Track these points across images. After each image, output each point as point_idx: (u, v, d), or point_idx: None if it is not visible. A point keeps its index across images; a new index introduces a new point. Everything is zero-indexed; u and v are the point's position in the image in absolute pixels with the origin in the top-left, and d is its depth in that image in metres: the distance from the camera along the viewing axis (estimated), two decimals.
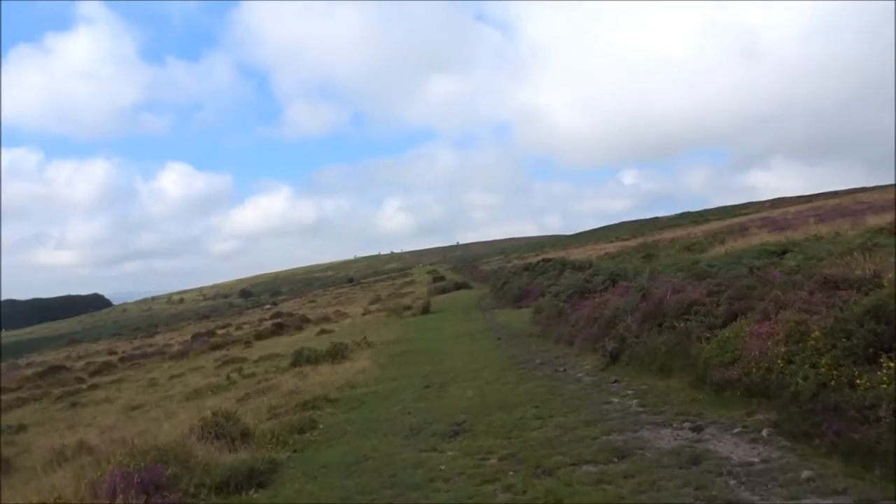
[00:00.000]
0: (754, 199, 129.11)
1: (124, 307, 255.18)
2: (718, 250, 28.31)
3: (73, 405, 21.65)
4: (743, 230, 39.03)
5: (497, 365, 11.13)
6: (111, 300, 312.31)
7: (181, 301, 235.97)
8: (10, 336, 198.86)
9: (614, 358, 8.67)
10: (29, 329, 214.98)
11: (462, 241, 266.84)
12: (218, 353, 30.69)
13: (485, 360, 12.20)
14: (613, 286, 11.95)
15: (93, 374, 33.36)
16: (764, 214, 64.37)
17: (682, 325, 7.44)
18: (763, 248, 16.96)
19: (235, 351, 30.69)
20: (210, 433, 8.25)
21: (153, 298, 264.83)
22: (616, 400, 7.05)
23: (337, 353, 18.01)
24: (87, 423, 17.02)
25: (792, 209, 56.67)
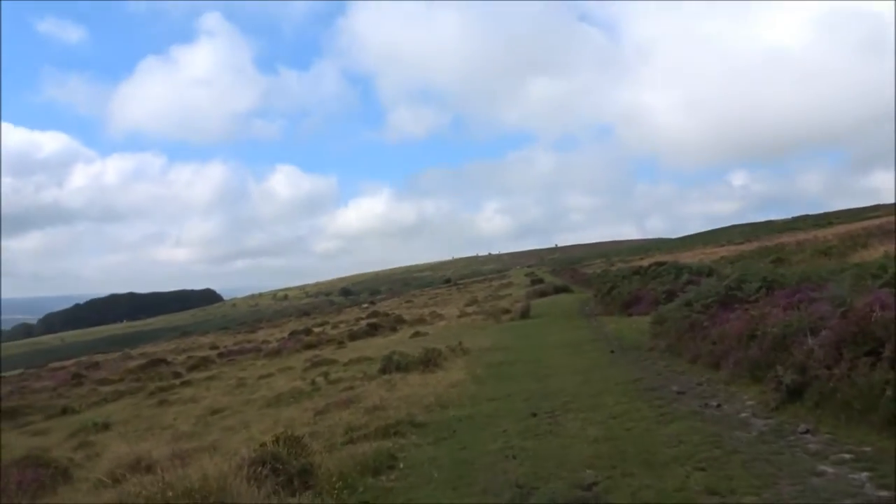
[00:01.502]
0: (881, 202, 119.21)
1: (233, 302, 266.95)
2: (864, 255, 24.72)
3: (161, 403, 21.13)
4: (884, 233, 34.64)
5: (620, 389, 8.98)
6: (222, 295, 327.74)
7: (285, 298, 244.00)
8: (130, 327, 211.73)
9: (793, 394, 6.41)
10: (148, 320, 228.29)
11: (560, 244, 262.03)
12: (310, 353, 29.85)
13: (602, 380, 10.07)
14: (768, 295, 9.54)
15: (190, 368, 33.41)
16: None
17: None
18: None
19: (327, 351, 29.74)
20: (266, 466, 6.64)
21: (260, 294, 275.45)
22: (829, 469, 4.75)
23: (429, 361, 16.33)
24: (166, 425, 16.16)
25: None
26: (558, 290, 47.53)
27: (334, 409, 11.87)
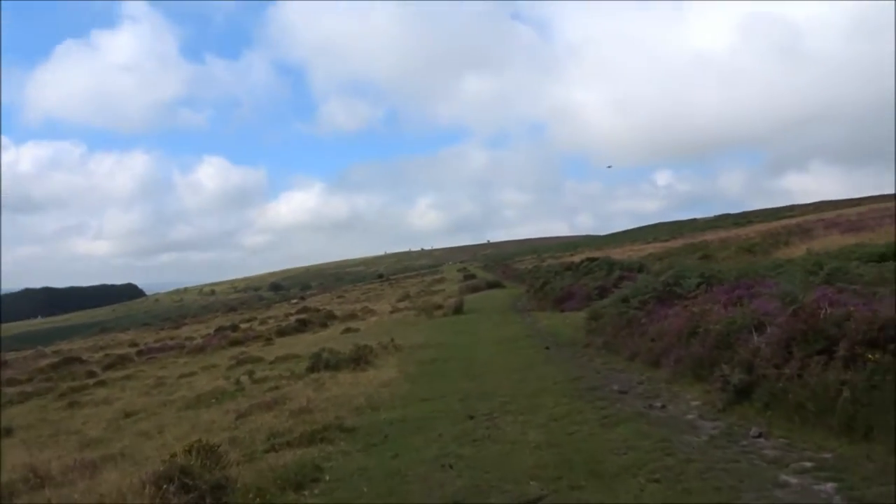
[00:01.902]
0: (795, 203, 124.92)
1: (157, 297, 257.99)
2: (787, 252, 25.42)
3: (71, 405, 19.72)
4: (804, 231, 35.94)
5: (559, 389, 8.60)
6: (145, 290, 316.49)
7: (212, 293, 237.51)
8: (46, 323, 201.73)
9: (740, 394, 6.14)
10: (65, 316, 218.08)
11: (493, 240, 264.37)
12: (236, 350, 28.70)
13: (539, 378, 9.69)
14: (707, 292, 9.36)
15: (106, 367, 31.59)
16: (818, 216, 60.79)
17: (883, 357, 4.87)
18: (858, 250, 14.12)
19: (254, 348, 28.68)
20: (174, 482, 5.93)
21: (185, 289, 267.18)
22: (792, 479, 4.37)
23: (360, 359, 15.72)
24: (75, 430, 14.97)
25: (853, 210, 53.02)
26: (491, 285, 47.54)
27: (257, 412, 11.13)
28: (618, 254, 55.85)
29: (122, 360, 33.97)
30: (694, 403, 6.87)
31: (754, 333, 6.55)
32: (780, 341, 5.93)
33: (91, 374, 28.91)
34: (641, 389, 7.99)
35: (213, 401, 14.52)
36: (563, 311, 23.81)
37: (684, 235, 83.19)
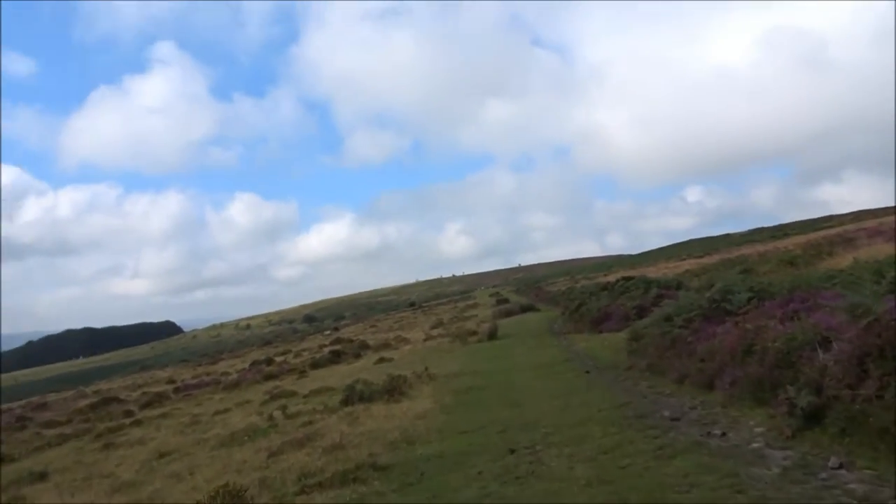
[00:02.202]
0: (833, 213, 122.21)
1: (194, 334, 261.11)
2: (831, 263, 24.45)
3: (107, 446, 19.57)
4: (846, 241, 34.73)
5: (605, 417, 8.05)
6: (182, 327, 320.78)
7: (248, 327, 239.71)
8: (87, 363, 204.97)
9: (810, 419, 5.56)
10: (106, 356, 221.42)
11: (524, 263, 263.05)
12: (270, 384, 28.46)
13: (582, 405, 9.15)
14: (759, 307, 8.75)
15: (143, 406, 31.59)
16: (857, 226, 59.13)
17: None
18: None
19: (288, 382, 28.41)
20: None
21: (222, 325, 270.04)
22: None
23: (394, 389, 15.30)
24: (108, 472, 14.74)
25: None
26: (524, 309, 46.90)
27: (290, 450, 10.75)
28: (652, 272, 54.81)
29: (159, 398, 33.96)
30: (758, 430, 6.26)
31: (819, 350, 5.97)
32: (851, 358, 5.36)
33: (128, 414, 28.89)
34: (695, 415, 7.39)
35: (246, 438, 14.19)
36: (600, 332, 23.14)
37: (720, 251, 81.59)
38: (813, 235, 62.33)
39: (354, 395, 15.47)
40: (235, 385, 32.75)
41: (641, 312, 22.56)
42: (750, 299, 8.94)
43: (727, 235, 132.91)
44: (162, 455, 15.32)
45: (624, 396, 9.26)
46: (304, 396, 19.89)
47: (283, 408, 17.06)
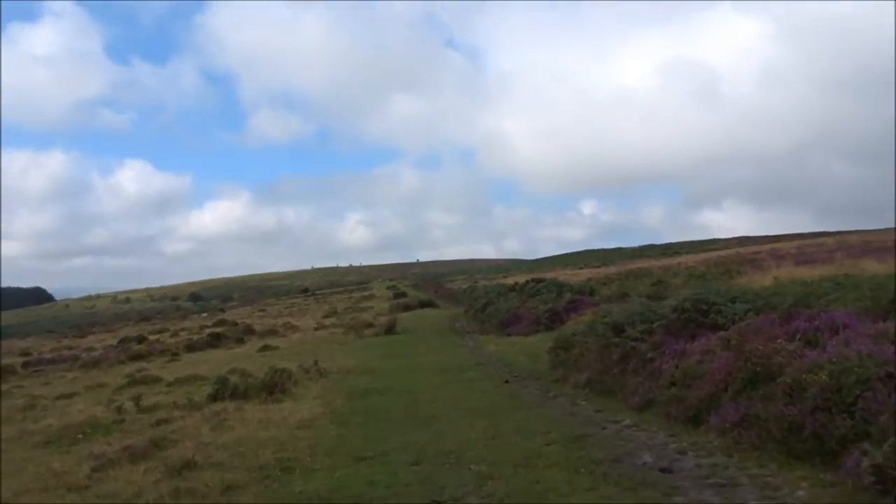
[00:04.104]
0: (716, 237, 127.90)
1: (67, 303, 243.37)
2: (743, 282, 23.89)
3: None
4: (749, 262, 34.96)
5: (559, 455, 5.95)
6: (54, 295, 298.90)
7: (127, 300, 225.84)
8: None
9: (885, 483, 3.76)
10: None
11: (422, 259, 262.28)
12: (135, 366, 25.03)
13: (519, 432, 7.10)
14: (740, 321, 7.03)
15: None
16: (738, 250, 61.17)
17: None
18: (825, 282, 12.03)
19: (157, 365, 25.12)
20: None
21: (98, 296, 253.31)
22: None
23: (275, 386, 12.86)
24: None
25: (787, 245, 53.13)
26: (423, 304, 45.21)
27: (125, 462, 8.13)
28: (551, 277, 54.22)
29: (2, 373, 29.59)
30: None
31: (882, 390, 4.20)
32: None
33: None
34: (692, 465, 5.38)
35: (80, 436, 11.31)
36: (508, 335, 21.49)
37: (615, 263, 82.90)
38: (701, 256, 64.02)
39: (227, 391, 12.91)
40: (95, 364, 28.86)
41: (554, 317, 21.10)
42: (747, 311, 7.20)
43: (620, 249, 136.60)
44: None
45: (572, 423, 7.30)
46: (169, 385, 16.99)
47: (138, 398, 14.14)
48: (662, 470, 5.20)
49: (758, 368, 5.63)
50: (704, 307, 7.70)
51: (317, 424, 9.03)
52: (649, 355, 7.77)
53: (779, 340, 5.90)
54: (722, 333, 6.89)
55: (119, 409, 13.26)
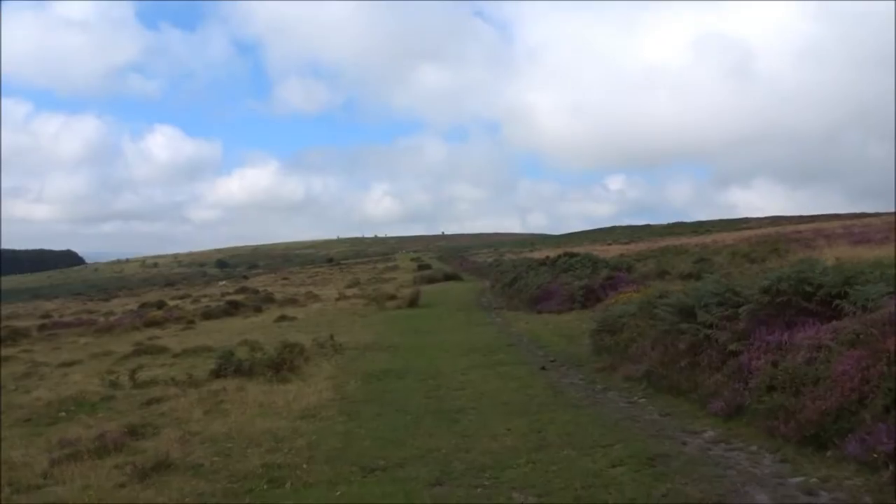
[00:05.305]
0: (747, 216, 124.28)
1: (96, 266, 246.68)
2: (792, 262, 22.10)
3: None
4: (794, 241, 32.93)
5: (635, 484, 4.48)
6: (84, 258, 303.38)
7: (155, 265, 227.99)
8: None
9: None
10: None
11: (447, 232, 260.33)
12: (147, 333, 24.03)
13: (571, 444, 5.58)
14: (866, 310, 5.45)
15: None
16: (775, 230, 58.63)
17: None
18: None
19: (169, 332, 24.08)
20: None
21: (127, 260, 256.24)
22: None
23: (283, 364, 11.53)
24: None
25: (833, 224, 50.62)
26: (448, 277, 43.89)
27: (94, 455, 6.82)
28: (587, 252, 52.42)
29: (15, 336, 28.83)
30: None
31: None
32: None
33: None
34: None
35: (63, 415, 10.11)
36: (539, 312, 19.96)
37: (644, 240, 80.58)
38: (733, 234, 61.45)
39: (230, 367, 11.65)
40: (108, 329, 27.99)
41: (590, 294, 19.54)
42: (881, 297, 5.57)
43: (648, 226, 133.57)
44: None
45: (637, 431, 5.76)
46: (174, 356, 15.84)
47: (136, 371, 12.92)
48: None
49: None
50: (809, 288, 6.11)
51: (323, 414, 7.67)
52: (732, 347, 6.23)
53: None
54: (837, 324, 5.34)
55: (114, 383, 12.08)
